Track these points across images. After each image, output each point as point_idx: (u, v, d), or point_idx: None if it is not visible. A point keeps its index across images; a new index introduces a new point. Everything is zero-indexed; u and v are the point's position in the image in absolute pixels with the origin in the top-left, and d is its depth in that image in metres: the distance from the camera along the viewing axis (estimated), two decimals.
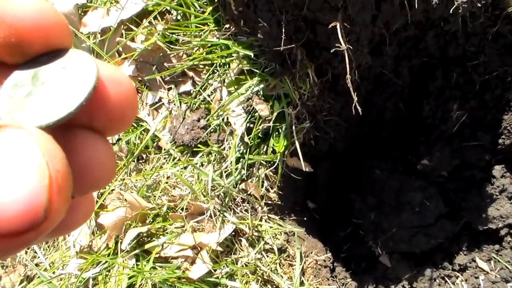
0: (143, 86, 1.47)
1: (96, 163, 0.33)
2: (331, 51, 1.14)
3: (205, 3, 1.38)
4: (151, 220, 1.38)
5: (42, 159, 0.26)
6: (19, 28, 0.30)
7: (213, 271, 1.33)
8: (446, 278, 1.62)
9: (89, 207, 0.38)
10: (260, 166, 1.39)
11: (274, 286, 1.39)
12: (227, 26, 1.34)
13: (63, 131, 0.31)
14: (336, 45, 1.11)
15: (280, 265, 1.40)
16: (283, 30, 1.15)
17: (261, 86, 1.32)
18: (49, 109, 0.30)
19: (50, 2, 0.31)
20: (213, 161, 1.37)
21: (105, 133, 0.35)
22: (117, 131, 0.36)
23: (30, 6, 0.30)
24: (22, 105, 0.30)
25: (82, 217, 0.37)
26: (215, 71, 1.39)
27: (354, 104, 1.12)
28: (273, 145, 1.36)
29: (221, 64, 1.38)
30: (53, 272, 1.44)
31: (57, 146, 0.27)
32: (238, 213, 1.38)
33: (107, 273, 1.37)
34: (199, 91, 1.41)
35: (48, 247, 1.53)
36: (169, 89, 1.45)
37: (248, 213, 1.38)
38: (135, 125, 1.46)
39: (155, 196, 1.38)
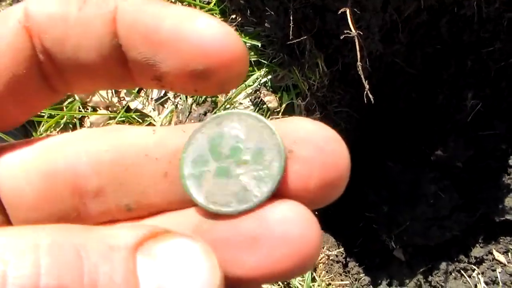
0: None
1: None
2: (341, 37, 1.10)
3: None
4: None
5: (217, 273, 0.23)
6: (203, 54, 0.25)
7: None
8: (462, 271, 1.58)
9: None
10: None
11: (285, 283, 1.36)
12: (233, 16, 1.31)
13: None
14: (346, 31, 1.07)
15: None
16: (291, 19, 1.12)
17: (269, 77, 1.29)
18: (245, 190, 0.26)
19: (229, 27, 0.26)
20: None
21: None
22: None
23: (213, 29, 0.25)
24: (215, 186, 0.27)
25: None
26: None
27: (365, 92, 1.08)
28: None
29: None
30: None
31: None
32: None
33: None
34: None
35: None
36: None
37: None
38: (140, 121, 1.43)
39: None
